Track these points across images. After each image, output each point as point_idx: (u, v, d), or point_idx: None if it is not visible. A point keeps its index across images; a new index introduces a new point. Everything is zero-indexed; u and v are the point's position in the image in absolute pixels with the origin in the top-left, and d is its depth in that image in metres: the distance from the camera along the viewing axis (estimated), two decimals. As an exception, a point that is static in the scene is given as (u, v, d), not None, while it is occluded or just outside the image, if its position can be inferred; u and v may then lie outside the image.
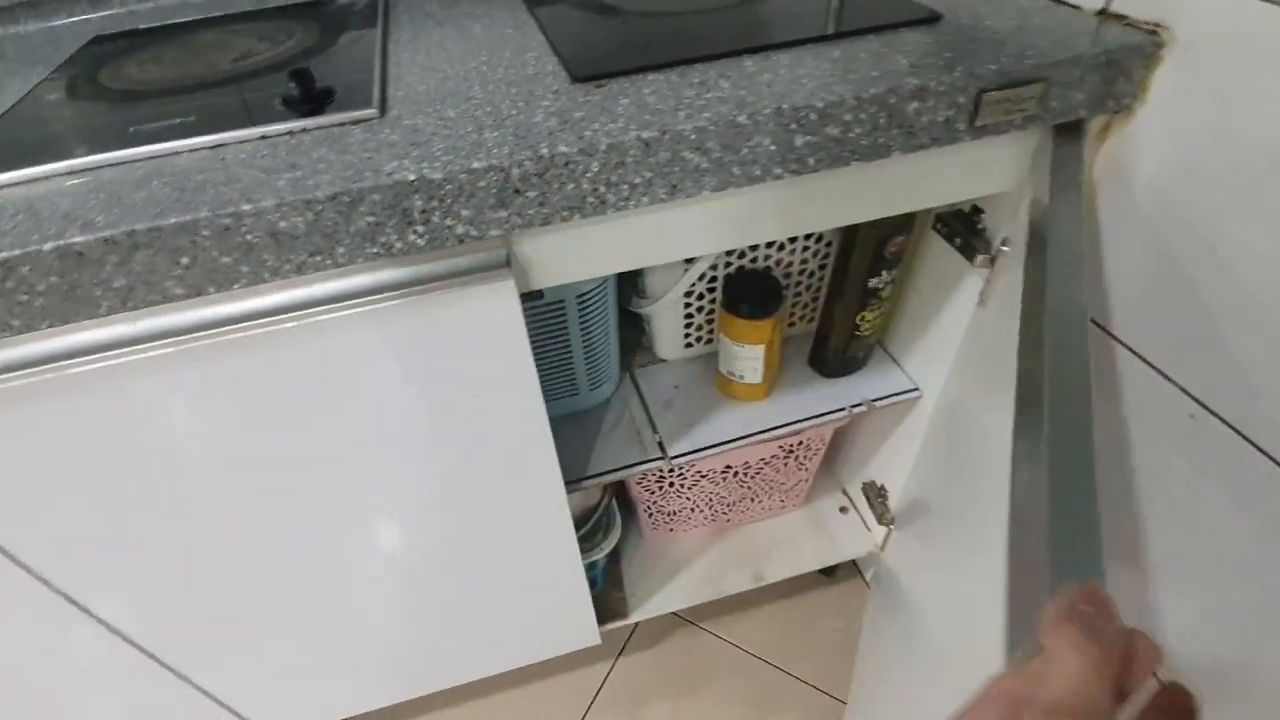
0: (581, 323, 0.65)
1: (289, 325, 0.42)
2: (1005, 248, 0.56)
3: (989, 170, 0.51)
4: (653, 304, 0.72)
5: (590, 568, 0.84)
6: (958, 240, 0.62)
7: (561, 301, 0.62)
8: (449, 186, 0.38)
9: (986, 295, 0.60)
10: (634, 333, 0.82)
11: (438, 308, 0.44)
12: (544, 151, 0.38)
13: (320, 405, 0.47)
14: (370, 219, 0.38)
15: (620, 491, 0.91)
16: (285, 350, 0.43)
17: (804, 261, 0.74)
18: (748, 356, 0.71)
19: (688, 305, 0.74)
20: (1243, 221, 0.40)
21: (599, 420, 0.75)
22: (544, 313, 0.63)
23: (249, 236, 0.37)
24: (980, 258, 0.59)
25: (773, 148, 0.41)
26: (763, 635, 1.03)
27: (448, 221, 0.39)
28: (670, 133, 0.39)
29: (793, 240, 0.71)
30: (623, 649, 1.04)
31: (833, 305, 0.71)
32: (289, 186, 0.37)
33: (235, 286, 0.38)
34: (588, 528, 0.81)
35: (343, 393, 0.47)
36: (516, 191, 0.39)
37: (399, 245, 0.39)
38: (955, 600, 0.71)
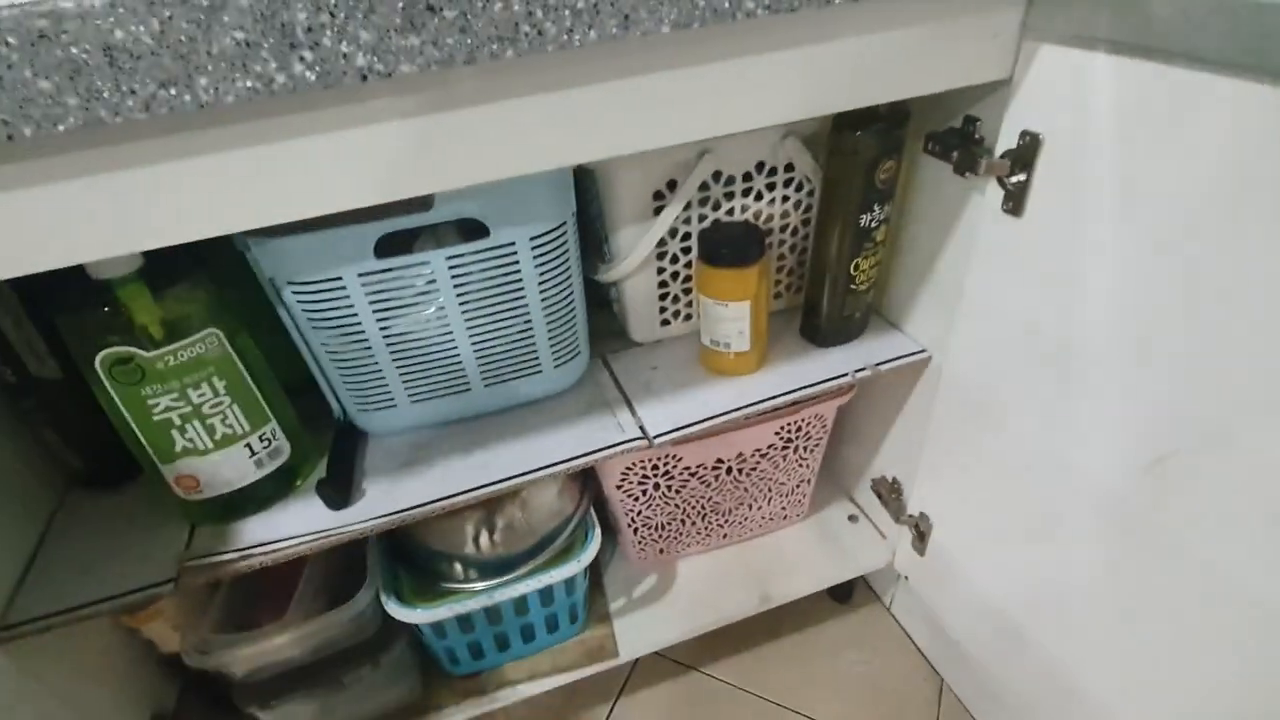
0: (539, 272, 0.56)
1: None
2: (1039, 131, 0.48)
3: (977, 47, 0.46)
4: (621, 265, 0.63)
5: (569, 592, 0.71)
6: (955, 154, 0.55)
7: (512, 244, 0.54)
8: (340, -3, 0.30)
9: (1023, 199, 0.51)
10: (603, 318, 0.74)
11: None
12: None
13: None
14: (239, 35, 0.30)
15: (600, 511, 0.79)
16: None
17: (785, 215, 0.67)
18: (732, 317, 0.62)
19: (661, 271, 0.66)
20: None
21: (567, 405, 0.65)
22: (491, 258, 0.54)
23: (74, 51, 0.28)
24: (987, 161, 0.52)
25: (743, -31, 0.35)
26: (778, 677, 0.88)
27: (343, 47, 0.31)
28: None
29: (771, 188, 0.64)
30: (621, 690, 0.88)
31: (823, 258, 0.64)
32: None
33: (61, 127, 0.29)
34: (562, 539, 0.69)
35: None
36: (430, 8, 0.31)
37: (282, 80, 0.31)
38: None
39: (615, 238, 0.63)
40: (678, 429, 0.61)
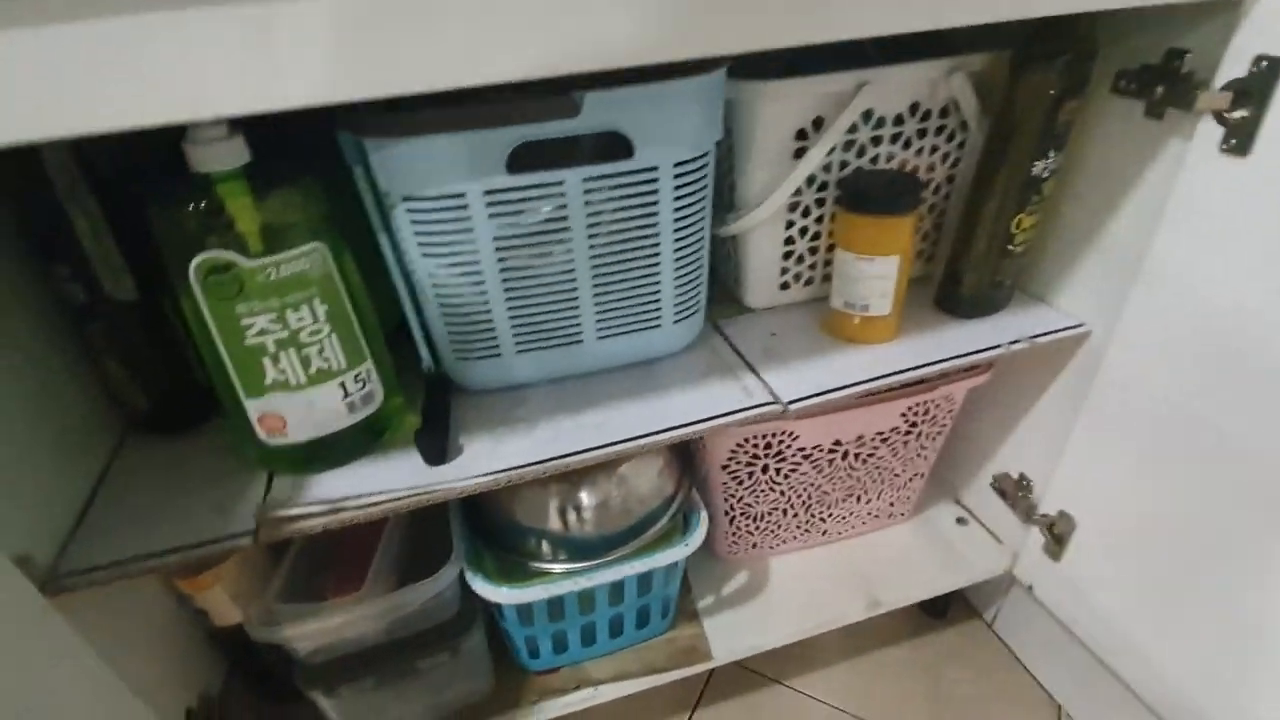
0: (677, 205, 0.50)
1: None
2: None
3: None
4: (753, 213, 0.57)
5: (668, 581, 0.63)
6: (1159, 91, 0.49)
7: (654, 169, 0.47)
8: None
9: (1252, 136, 0.44)
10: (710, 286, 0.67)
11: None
12: None
13: None
14: None
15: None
16: None
17: (930, 169, 0.60)
18: (877, 274, 0.55)
19: (789, 226, 0.60)
20: None
21: (684, 367, 0.58)
22: (630, 183, 0.47)
23: None
24: (1203, 95, 0.45)
25: None
26: (871, 694, 0.80)
27: None
28: None
29: (921, 135, 0.58)
30: (697, 703, 0.79)
31: (979, 213, 0.57)
32: None
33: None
34: (665, 521, 0.61)
35: None
36: None
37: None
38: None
39: (746, 183, 0.57)
40: (815, 395, 0.54)
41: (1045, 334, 0.59)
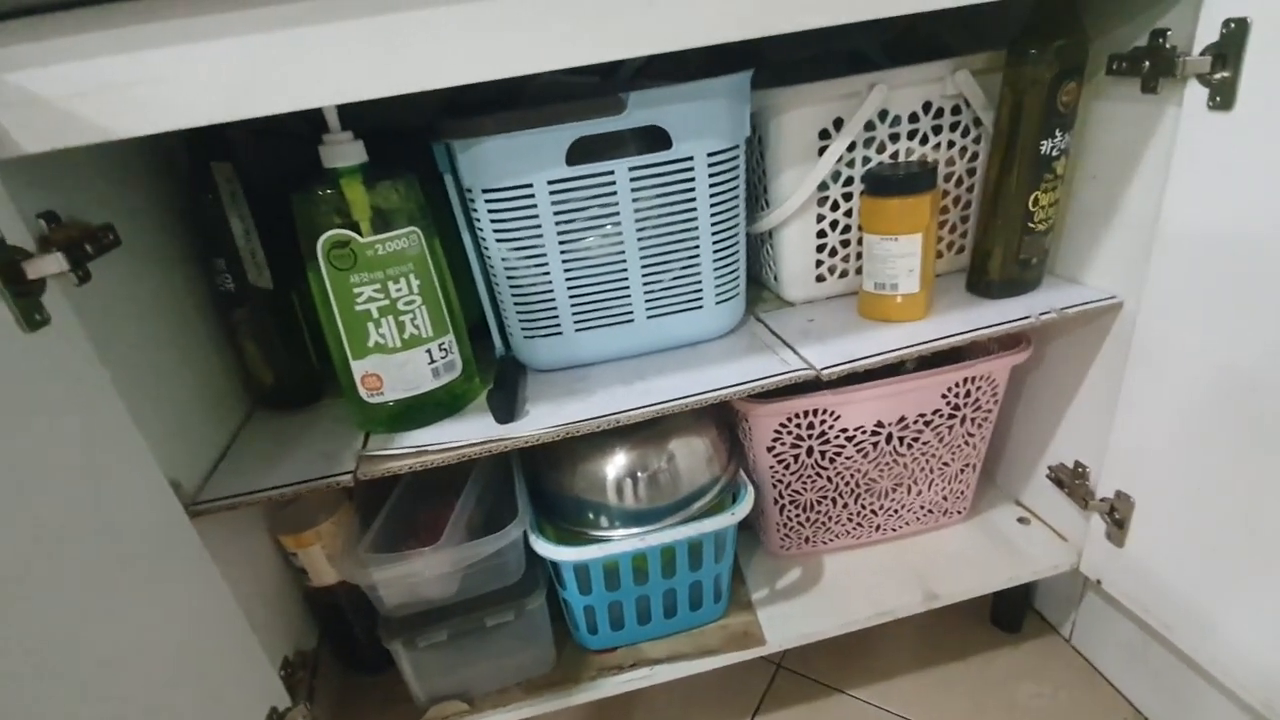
0: (712, 191, 0.57)
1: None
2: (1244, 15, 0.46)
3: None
4: (782, 208, 0.64)
5: (718, 557, 0.66)
6: (1147, 67, 0.53)
7: (690, 159, 0.55)
8: None
9: (1234, 92, 0.48)
10: (751, 290, 0.73)
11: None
12: None
13: None
14: None
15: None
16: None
17: (950, 163, 0.66)
18: (902, 253, 0.61)
19: (820, 220, 0.66)
20: None
21: (727, 346, 0.64)
22: (670, 172, 0.56)
23: None
24: (1185, 61, 0.50)
25: None
26: (942, 707, 0.77)
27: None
28: None
29: (937, 130, 0.64)
30: (757, 708, 0.79)
31: (999, 196, 0.61)
32: None
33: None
34: (712, 495, 0.65)
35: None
36: None
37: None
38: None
39: (775, 183, 0.64)
40: (847, 362, 0.58)
41: (1075, 305, 0.61)
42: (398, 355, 0.54)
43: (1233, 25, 0.47)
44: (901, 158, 0.64)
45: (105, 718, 0.36)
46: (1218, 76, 0.49)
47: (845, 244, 0.68)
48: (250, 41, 0.38)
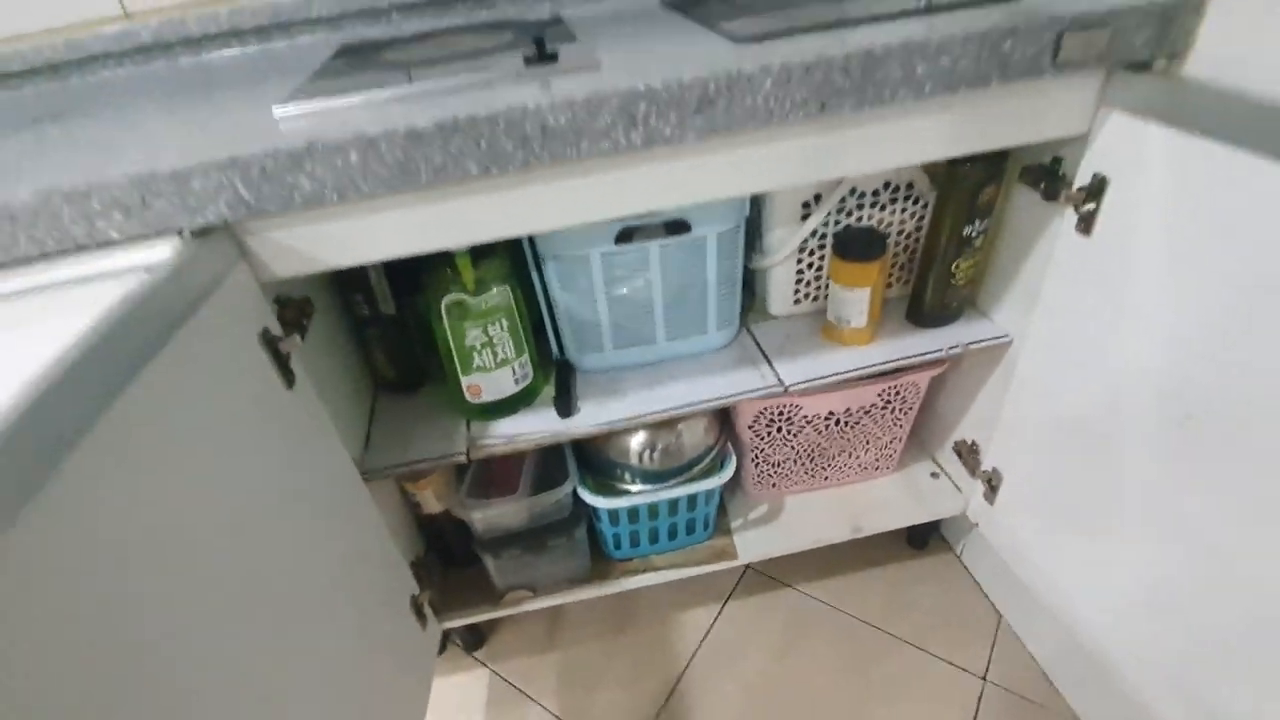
0: (718, 258, 0.78)
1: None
2: (1106, 174, 0.65)
3: (1067, 110, 0.63)
4: (773, 256, 0.84)
5: (708, 502, 0.93)
6: (1043, 185, 0.73)
7: (703, 237, 0.76)
8: (662, 95, 0.52)
9: (1092, 223, 0.68)
10: (745, 298, 0.95)
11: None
12: (731, 69, 0.52)
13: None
14: (606, 120, 0.53)
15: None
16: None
17: (903, 223, 0.86)
18: (855, 300, 0.82)
19: (800, 262, 0.87)
20: None
21: (722, 359, 0.87)
22: (687, 247, 0.76)
23: (528, 128, 0.52)
24: (1066, 192, 0.70)
25: (899, 74, 0.55)
26: (860, 600, 1.08)
27: (660, 126, 0.54)
28: (822, 60, 0.53)
29: (894, 201, 0.83)
30: (730, 595, 1.10)
31: (930, 258, 0.82)
32: (547, 98, 0.52)
33: (511, 169, 0.53)
34: (706, 462, 0.91)
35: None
36: (709, 101, 0.53)
37: (623, 142, 0.54)
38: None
39: (770, 236, 0.84)
40: (808, 380, 0.82)
41: (977, 342, 0.84)
42: (493, 373, 0.78)
43: (1098, 177, 0.67)
44: (865, 220, 0.84)
45: (320, 591, 0.64)
46: (1086, 208, 0.69)
47: (817, 278, 0.89)
48: (412, 212, 0.58)
